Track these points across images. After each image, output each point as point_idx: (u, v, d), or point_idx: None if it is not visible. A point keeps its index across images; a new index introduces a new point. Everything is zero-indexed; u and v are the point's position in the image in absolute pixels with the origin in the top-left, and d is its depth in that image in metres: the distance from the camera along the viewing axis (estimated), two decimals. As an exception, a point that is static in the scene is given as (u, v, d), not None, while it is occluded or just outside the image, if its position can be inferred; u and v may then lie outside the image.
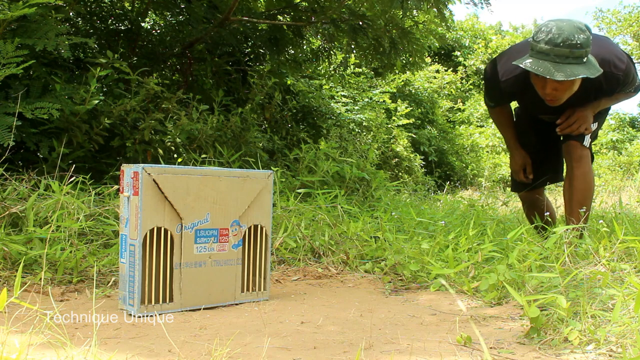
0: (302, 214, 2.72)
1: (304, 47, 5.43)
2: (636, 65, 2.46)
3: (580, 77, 2.05)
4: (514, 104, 2.75)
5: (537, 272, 1.67)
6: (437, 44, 7.66)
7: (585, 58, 2.08)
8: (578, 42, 2.04)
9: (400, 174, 7.81)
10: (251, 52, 4.99)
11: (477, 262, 2.01)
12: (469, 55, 14.60)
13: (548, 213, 2.65)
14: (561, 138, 2.54)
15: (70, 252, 1.88)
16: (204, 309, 1.60)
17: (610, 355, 1.15)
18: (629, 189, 6.36)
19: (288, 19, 4.69)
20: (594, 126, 2.43)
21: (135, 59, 3.97)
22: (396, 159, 7.92)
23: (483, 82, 2.57)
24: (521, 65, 2.10)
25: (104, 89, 3.40)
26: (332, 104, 6.55)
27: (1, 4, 2.70)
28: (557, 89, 2.16)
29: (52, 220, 2.01)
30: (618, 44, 2.36)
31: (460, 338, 1.27)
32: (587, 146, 2.44)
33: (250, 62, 4.96)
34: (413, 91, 10.20)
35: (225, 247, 1.66)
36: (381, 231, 2.44)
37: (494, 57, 2.53)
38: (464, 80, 14.17)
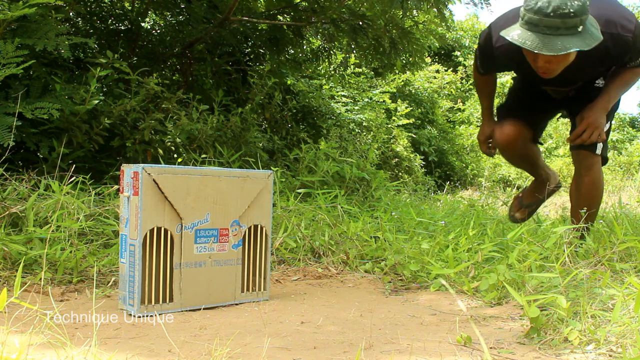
0: (302, 214, 2.72)
1: (304, 47, 5.43)
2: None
3: (572, 50, 1.84)
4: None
5: (537, 272, 1.67)
6: (437, 44, 7.66)
7: (581, 27, 1.85)
8: (571, 10, 1.81)
9: (400, 174, 7.81)
10: (251, 52, 4.99)
11: (477, 262, 2.01)
12: (469, 55, 14.60)
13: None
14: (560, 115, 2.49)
15: (70, 252, 1.88)
16: (204, 309, 1.60)
17: (610, 355, 1.15)
18: (629, 189, 6.36)
19: (288, 19, 4.69)
20: (606, 126, 2.22)
21: (135, 59, 3.97)
22: (396, 159, 7.92)
23: (477, 47, 2.36)
24: (507, 38, 1.91)
25: (104, 89, 3.40)
26: (332, 104, 6.55)
27: (1, 4, 2.70)
28: (550, 61, 1.96)
29: (52, 220, 2.01)
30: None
31: (460, 338, 1.27)
32: (599, 153, 2.29)
33: (250, 62, 4.96)
34: (413, 91, 10.19)
35: (225, 247, 1.66)
36: (381, 231, 2.44)
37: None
38: (464, 80, 14.17)
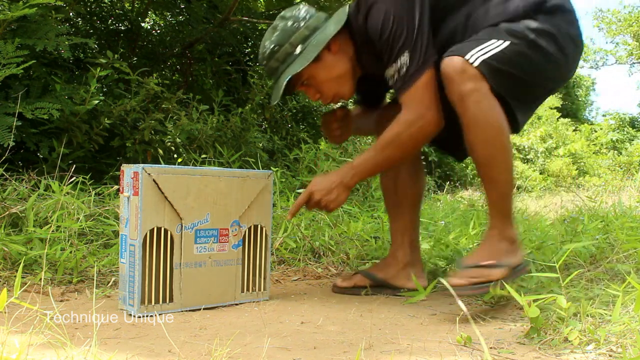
0: (302, 214, 2.72)
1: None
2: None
3: (283, 85, 1.61)
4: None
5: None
6: None
7: (299, 47, 1.60)
8: (271, 46, 1.63)
9: (400, 174, 7.79)
10: (251, 52, 4.99)
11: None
12: (469, 55, 14.58)
13: None
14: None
15: (70, 252, 1.88)
16: (204, 309, 1.60)
17: (610, 355, 1.15)
18: (629, 189, 6.35)
19: (288, 19, 4.67)
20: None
21: (135, 59, 3.97)
22: (396, 159, 7.89)
23: None
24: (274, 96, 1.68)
25: (104, 89, 3.40)
26: (332, 104, 6.53)
27: (1, 4, 2.70)
28: (309, 93, 1.73)
29: (52, 221, 2.01)
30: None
31: (460, 338, 1.27)
32: None
33: (250, 62, 4.96)
34: (413, 91, 10.16)
35: (225, 247, 1.66)
36: (382, 231, 2.44)
37: None
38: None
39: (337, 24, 1.61)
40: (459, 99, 1.48)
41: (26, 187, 2.31)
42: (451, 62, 1.48)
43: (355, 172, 1.64)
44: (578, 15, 1.67)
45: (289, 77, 1.59)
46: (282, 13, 1.65)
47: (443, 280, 1.17)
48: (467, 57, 1.48)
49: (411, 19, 1.53)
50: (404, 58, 1.54)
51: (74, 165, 2.54)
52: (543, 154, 14.19)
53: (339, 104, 1.89)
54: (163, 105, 3.38)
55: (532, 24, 1.55)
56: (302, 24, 1.62)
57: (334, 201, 1.65)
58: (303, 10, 1.65)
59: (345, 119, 1.85)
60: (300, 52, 1.60)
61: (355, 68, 1.71)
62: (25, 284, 1.70)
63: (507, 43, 1.51)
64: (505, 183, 1.53)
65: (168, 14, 4.64)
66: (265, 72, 1.64)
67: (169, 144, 3.44)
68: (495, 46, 1.50)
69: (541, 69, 1.57)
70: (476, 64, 1.47)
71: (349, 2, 4.44)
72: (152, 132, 3.29)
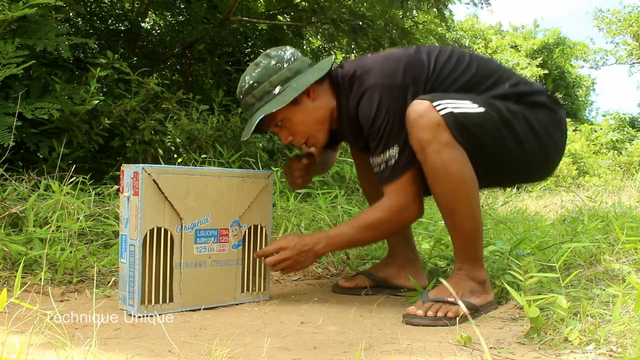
0: (302, 214, 2.72)
1: (304, 47, 5.43)
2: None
3: (254, 124, 1.59)
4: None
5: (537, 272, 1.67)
6: (437, 44, 7.65)
7: (278, 87, 1.59)
8: (250, 82, 1.61)
9: (400, 174, 7.78)
10: (251, 52, 5.00)
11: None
12: (469, 55, 14.60)
13: None
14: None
15: (70, 252, 1.88)
16: (204, 309, 1.60)
17: (610, 355, 1.15)
18: (629, 189, 6.35)
19: (288, 19, 4.69)
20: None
21: (135, 59, 3.98)
22: (396, 159, 7.88)
23: None
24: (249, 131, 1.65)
25: (104, 89, 3.40)
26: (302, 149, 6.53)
27: (1, 4, 2.70)
28: (281, 135, 1.69)
29: (52, 221, 2.01)
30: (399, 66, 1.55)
31: (460, 338, 1.27)
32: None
33: (250, 62, 4.96)
34: (413, 91, 10.16)
35: (225, 247, 1.66)
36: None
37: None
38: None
39: (320, 72, 1.61)
40: (419, 146, 1.47)
41: (26, 187, 2.31)
42: (416, 106, 1.46)
43: (328, 242, 1.65)
44: (562, 118, 1.62)
45: (262, 115, 1.58)
46: (267, 51, 1.66)
47: (443, 280, 1.17)
48: (435, 103, 1.44)
49: (403, 112, 1.50)
50: (393, 151, 1.53)
51: (74, 165, 2.54)
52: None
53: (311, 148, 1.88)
54: (163, 105, 3.38)
55: (512, 106, 1.52)
56: (285, 65, 1.61)
57: (300, 264, 1.67)
58: (289, 52, 1.65)
59: (310, 167, 1.84)
60: (279, 93, 1.60)
61: (333, 120, 1.69)
62: (25, 284, 1.70)
63: (481, 109, 1.48)
64: (470, 230, 1.52)
65: (168, 14, 4.65)
66: (241, 107, 1.67)
67: (169, 144, 3.44)
68: (469, 107, 1.48)
69: (509, 150, 1.53)
70: (443, 112, 1.43)
71: (348, 2, 4.44)
72: (152, 132, 3.29)
